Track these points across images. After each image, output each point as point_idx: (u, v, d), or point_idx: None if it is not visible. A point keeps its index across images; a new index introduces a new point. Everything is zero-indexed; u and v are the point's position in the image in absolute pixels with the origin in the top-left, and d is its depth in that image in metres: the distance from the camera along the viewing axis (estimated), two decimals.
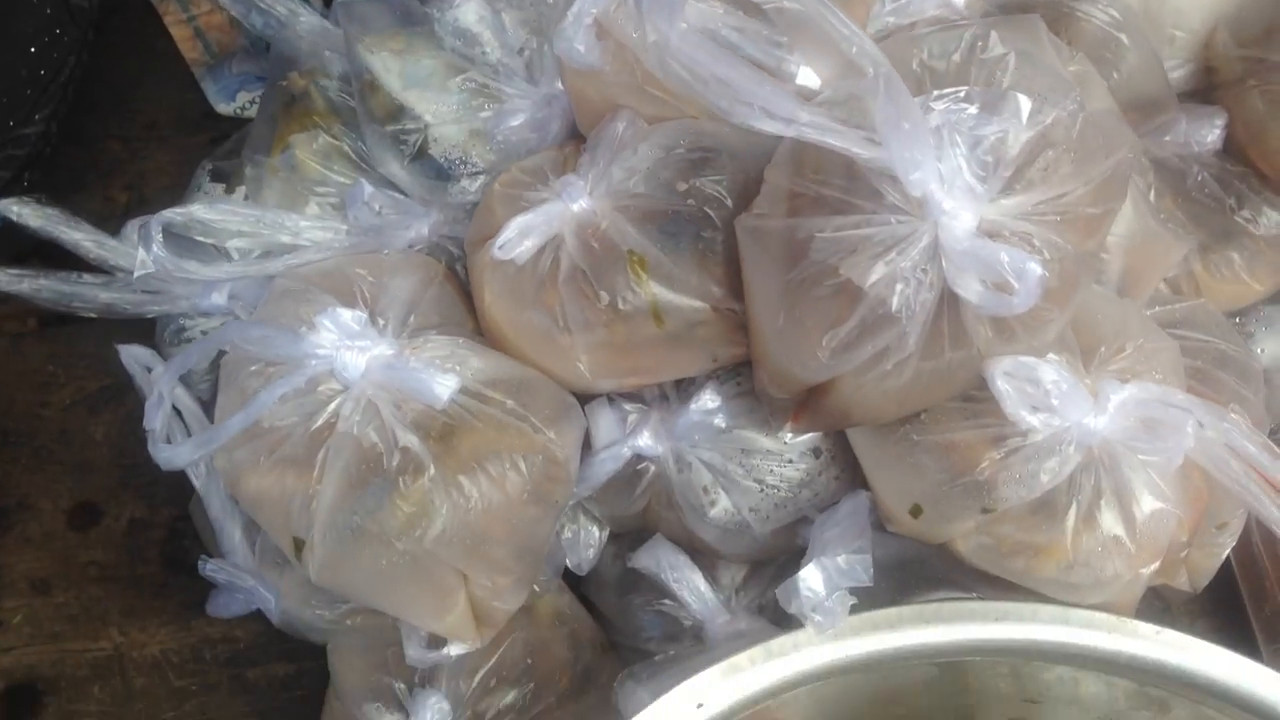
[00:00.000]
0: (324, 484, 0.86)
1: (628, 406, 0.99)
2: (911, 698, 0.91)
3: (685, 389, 0.97)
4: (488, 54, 1.07)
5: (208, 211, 0.99)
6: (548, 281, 0.91)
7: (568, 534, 1.05)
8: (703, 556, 1.02)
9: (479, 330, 0.98)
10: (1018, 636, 0.85)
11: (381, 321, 0.92)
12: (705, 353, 0.91)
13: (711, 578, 1.01)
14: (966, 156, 0.74)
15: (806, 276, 0.78)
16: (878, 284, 0.75)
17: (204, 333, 1.11)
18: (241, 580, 1.01)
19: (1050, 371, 0.80)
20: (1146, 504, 0.85)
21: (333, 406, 0.87)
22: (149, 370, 1.04)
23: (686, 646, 1.00)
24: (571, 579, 1.10)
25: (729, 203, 0.88)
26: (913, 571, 0.94)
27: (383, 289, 0.95)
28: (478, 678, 0.98)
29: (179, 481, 1.09)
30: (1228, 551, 1.03)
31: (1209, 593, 1.06)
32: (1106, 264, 0.97)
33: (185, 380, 1.07)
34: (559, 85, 1.02)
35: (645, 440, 0.96)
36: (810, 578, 0.82)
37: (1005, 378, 0.80)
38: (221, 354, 0.96)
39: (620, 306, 0.89)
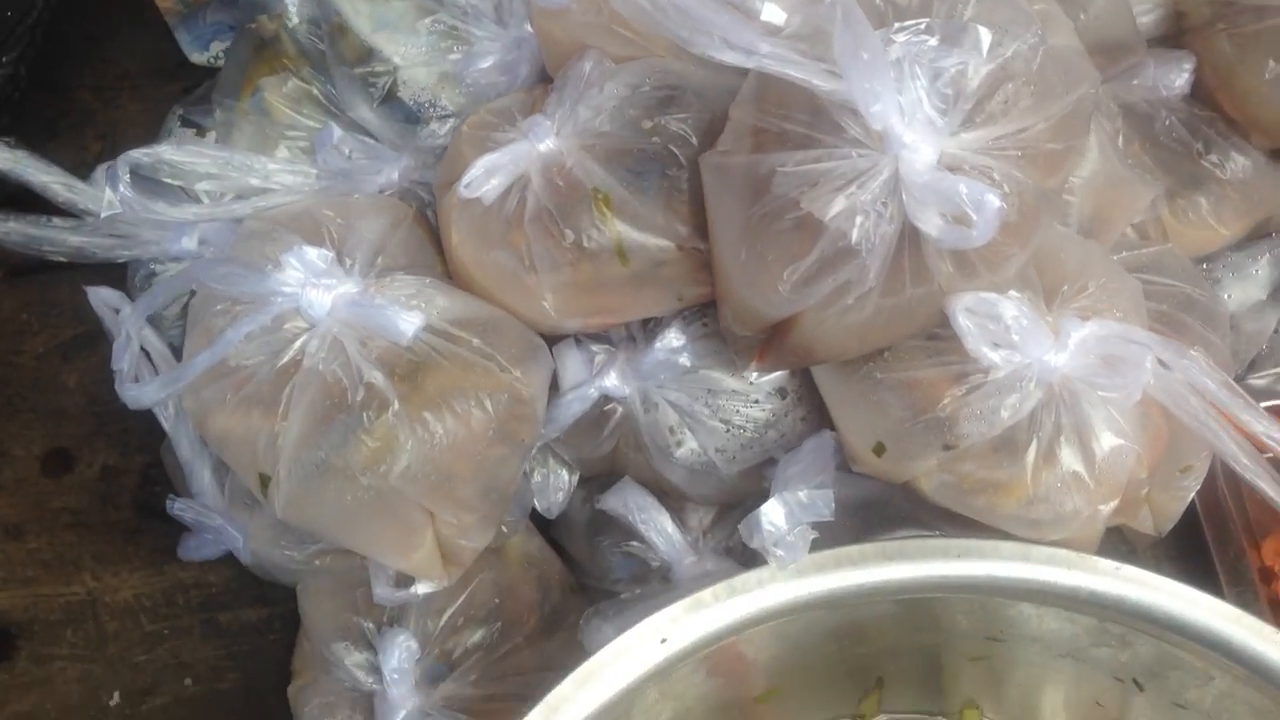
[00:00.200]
0: (289, 420, 0.86)
1: (595, 348, 0.99)
2: (877, 636, 0.92)
3: (652, 330, 0.98)
4: None
5: (175, 152, 0.99)
6: (514, 221, 0.91)
7: (537, 478, 1.06)
8: (671, 500, 1.03)
9: (448, 274, 0.99)
10: (979, 573, 0.85)
11: (349, 261, 0.92)
12: (671, 292, 0.92)
13: (679, 520, 1.02)
14: (927, 89, 0.74)
15: (768, 211, 0.79)
16: (838, 217, 0.76)
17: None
18: (210, 519, 1.01)
19: (1011, 307, 0.81)
20: (1106, 440, 0.85)
21: (298, 344, 0.88)
22: (117, 312, 1.04)
23: (653, 587, 1.01)
24: (541, 523, 1.10)
25: (694, 141, 0.89)
26: (877, 511, 0.94)
27: (350, 230, 0.96)
28: (445, 617, 0.99)
29: (152, 428, 1.10)
30: (1192, 495, 1.04)
31: (1174, 537, 1.07)
32: (1072, 207, 0.98)
33: (156, 326, 1.07)
34: (528, 28, 1.02)
35: (612, 381, 0.97)
36: (772, 512, 0.83)
37: (966, 314, 0.81)
38: (192, 298, 0.96)
39: (585, 245, 0.89)
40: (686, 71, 0.91)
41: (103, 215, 0.97)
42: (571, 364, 0.98)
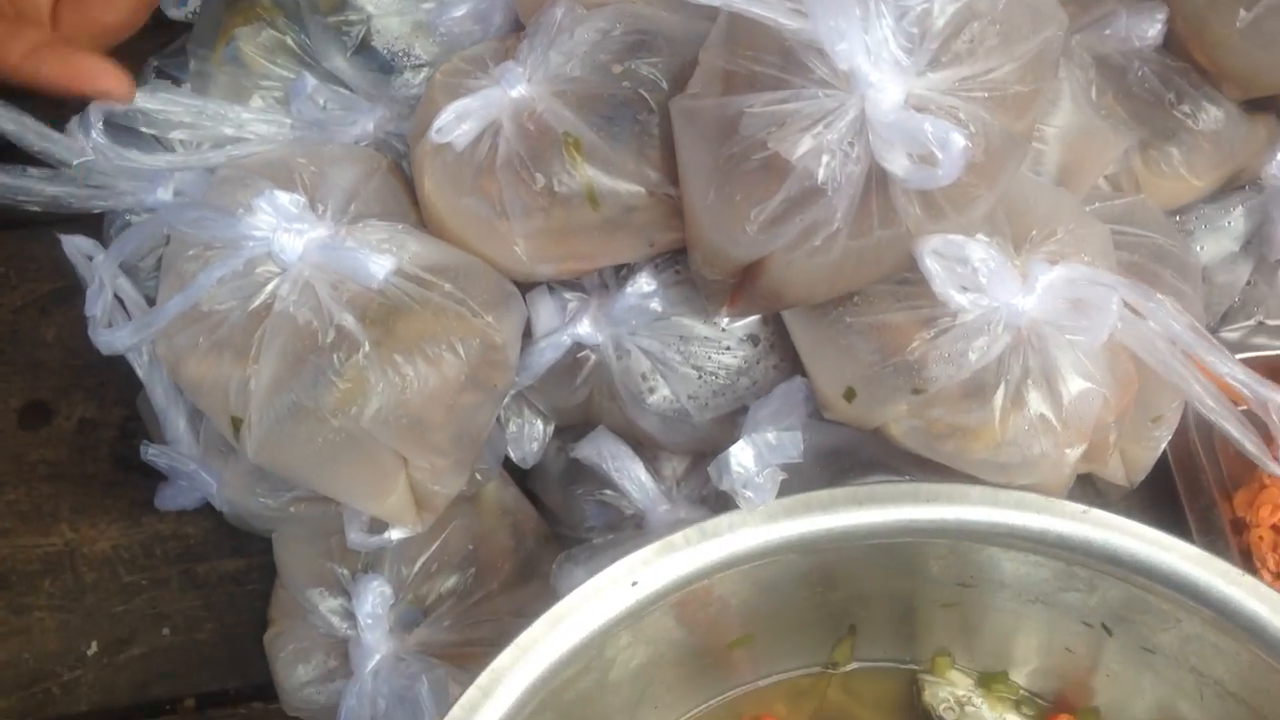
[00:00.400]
0: (261, 364, 0.86)
1: (568, 295, 0.99)
2: (849, 583, 0.92)
3: (624, 278, 0.98)
4: None
5: (149, 100, 0.99)
6: (486, 168, 0.91)
7: (512, 428, 1.06)
8: (645, 449, 1.03)
9: (422, 224, 0.99)
10: (949, 517, 0.86)
11: (321, 208, 0.92)
12: (642, 238, 0.92)
13: (653, 469, 1.03)
14: (893, 28, 0.74)
15: (736, 152, 0.79)
16: (805, 156, 0.76)
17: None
18: (183, 465, 1.01)
19: (979, 250, 0.81)
20: (1073, 384, 0.86)
21: (270, 288, 0.88)
22: (91, 260, 1.04)
23: (626, 534, 1.01)
24: (517, 474, 1.11)
25: (664, 85, 0.89)
26: (848, 457, 0.95)
27: (323, 177, 0.95)
28: (419, 563, 1.00)
29: (129, 382, 1.10)
30: (1164, 446, 1.05)
31: (1146, 489, 1.08)
32: (1045, 156, 0.98)
33: (133, 278, 1.07)
34: None
35: (585, 328, 0.97)
36: (740, 453, 0.83)
37: (934, 256, 0.81)
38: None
39: (556, 190, 0.89)
40: (657, 16, 0.91)
41: (75, 162, 0.97)
42: (545, 311, 0.98)
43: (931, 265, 0.81)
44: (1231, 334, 1.17)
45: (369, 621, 0.96)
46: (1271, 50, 1.04)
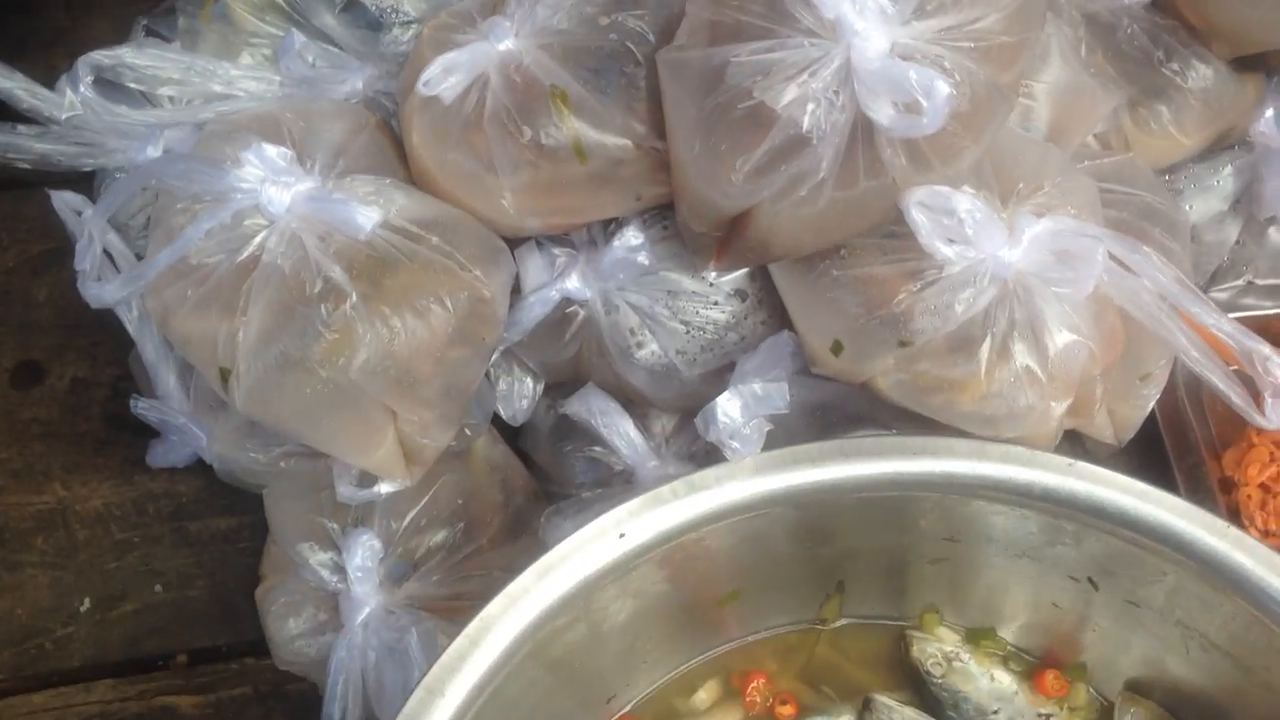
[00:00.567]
0: (249, 315, 0.87)
1: (556, 250, 1.00)
2: (837, 538, 0.92)
3: (612, 233, 0.98)
4: None
5: (137, 56, 0.99)
6: (473, 121, 0.91)
7: (502, 386, 1.07)
8: (635, 407, 1.03)
9: (410, 181, 0.99)
10: (936, 470, 0.86)
11: (309, 162, 0.93)
12: (629, 192, 0.92)
13: (643, 427, 1.03)
14: None
15: (722, 102, 0.79)
16: (790, 105, 0.76)
17: (142, 188, 1.11)
18: (173, 419, 1.02)
19: (965, 201, 0.81)
20: (1059, 336, 0.86)
21: (258, 240, 0.88)
22: (80, 215, 1.04)
23: (615, 489, 1.02)
24: (508, 434, 1.11)
25: (651, 38, 0.89)
26: (835, 412, 0.95)
27: (312, 133, 0.96)
28: (408, 517, 1.00)
29: (121, 342, 1.11)
30: (1152, 404, 1.05)
31: (1134, 447, 1.08)
32: (1034, 113, 0.98)
33: (123, 234, 1.07)
34: None
35: (573, 283, 0.97)
36: (727, 404, 0.84)
37: (920, 208, 0.81)
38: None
39: (543, 142, 0.89)
40: None
41: (64, 116, 0.97)
42: (533, 266, 0.98)
43: (918, 217, 0.82)
44: (1220, 294, 1.17)
45: (359, 575, 0.97)
46: (1260, 7, 1.03)
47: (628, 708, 0.95)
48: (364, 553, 0.97)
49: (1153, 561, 0.85)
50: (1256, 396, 0.87)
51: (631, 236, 0.94)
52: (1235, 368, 0.87)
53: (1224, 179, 1.14)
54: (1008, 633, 0.97)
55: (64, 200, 1.02)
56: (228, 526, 1.19)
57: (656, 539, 0.84)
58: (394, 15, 1.06)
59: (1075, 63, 1.01)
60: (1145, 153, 1.07)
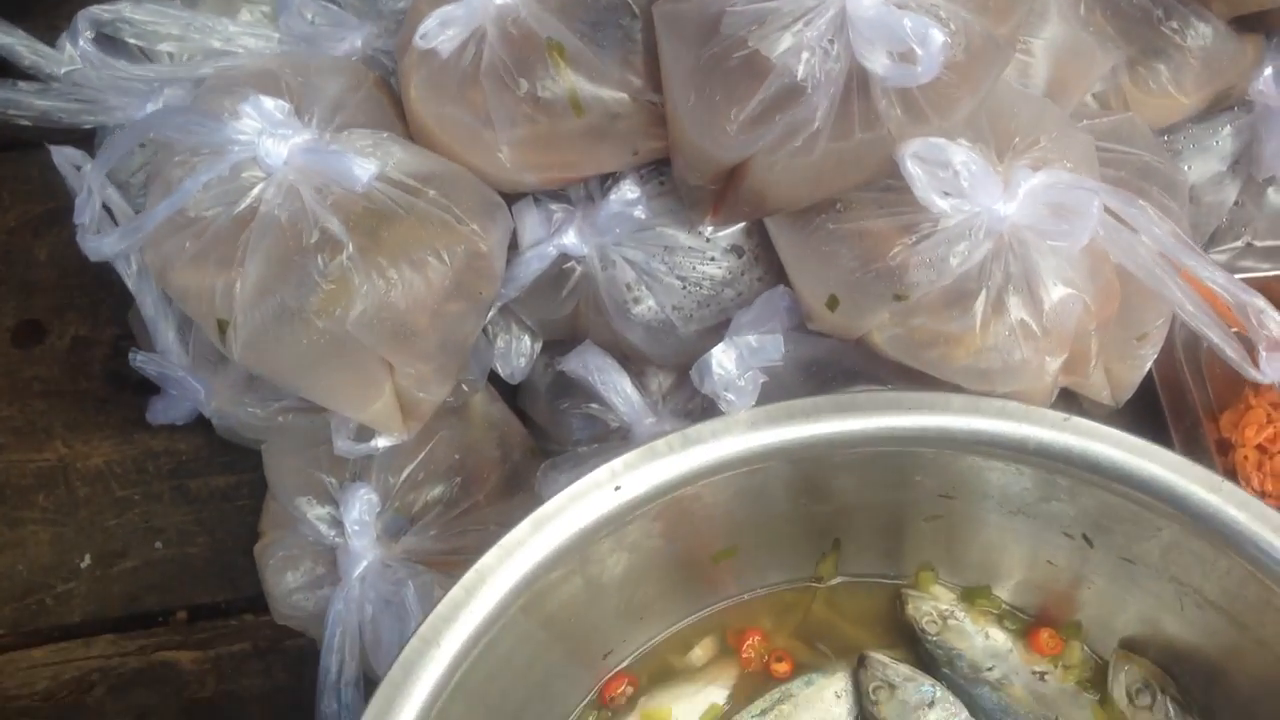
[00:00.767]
0: (246, 266, 0.87)
1: (554, 206, 1.00)
2: (833, 495, 0.93)
3: (608, 189, 0.98)
4: None
5: (135, 10, 0.99)
6: (470, 75, 0.91)
7: (500, 344, 1.07)
8: (632, 364, 1.04)
9: (409, 138, 0.99)
10: (931, 425, 0.86)
11: (307, 116, 0.93)
12: (626, 146, 0.92)
13: (640, 384, 1.03)
14: None
15: (717, 52, 0.79)
16: (785, 54, 0.76)
17: (141, 144, 1.11)
18: (172, 371, 1.02)
19: (960, 153, 0.81)
20: (1054, 290, 0.86)
21: (255, 192, 0.88)
22: (80, 170, 1.04)
23: (611, 444, 1.02)
24: (506, 393, 1.11)
25: None
26: (831, 367, 0.95)
27: (310, 87, 0.96)
28: (406, 472, 1.00)
29: (122, 301, 1.11)
30: (1149, 364, 1.06)
31: (1131, 408, 1.08)
32: (1031, 69, 0.98)
33: (124, 192, 1.07)
34: None
35: (570, 239, 0.97)
36: (722, 355, 0.84)
37: (915, 160, 0.81)
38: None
39: (539, 95, 0.89)
40: None
41: (63, 71, 0.97)
42: (530, 222, 0.98)
43: (913, 169, 0.81)
44: (1219, 256, 1.17)
45: (356, 528, 0.97)
46: None
47: (624, 664, 0.96)
48: (361, 506, 0.97)
49: (1147, 517, 0.85)
50: (1252, 352, 0.87)
51: (628, 190, 0.94)
52: (1236, 330, 0.87)
53: (1223, 139, 1.14)
54: (1003, 591, 0.97)
55: (64, 155, 1.02)
56: (227, 484, 1.20)
57: (652, 492, 0.84)
58: None
59: (1074, 20, 1.01)
60: (1144, 112, 1.07)
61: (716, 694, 0.94)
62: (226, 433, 1.09)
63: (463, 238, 0.90)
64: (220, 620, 1.14)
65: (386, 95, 1.02)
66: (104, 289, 1.24)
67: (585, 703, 0.94)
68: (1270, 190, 1.17)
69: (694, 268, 0.97)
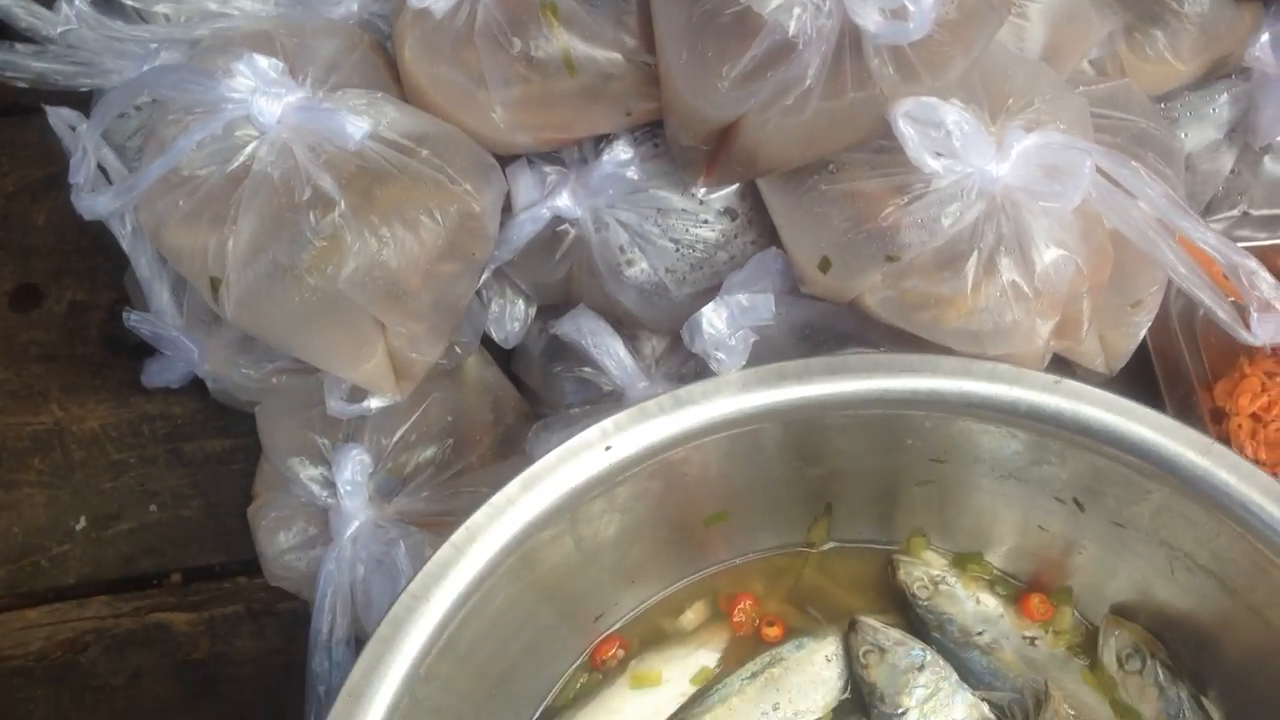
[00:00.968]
0: (239, 224, 0.87)
1: (547, 169, 1.00)
2: (825, 458, 0.93)
3: (602, 150, 0.98)
4: None
5: None
6: (464, 35, 0.91)
7: (494, 308, 1.07)
8: (625, 328, 1.04)
9: (403, 100, 0.99)
10: (922, 387, 0.86)
11: (301, 76, 0.93)
12: (620, 106, 0.92)
13: (633, 348, 1.03)
14: None
15: (708, 9, 0.79)
16: (776, 10, 0.76)
17: (137, 108, 1.11)
18: (166, 331, 1.02)
19: (952, 112, 0.81)
20: (1046, 252, 0.86)
21: (249, 150, 0.88)
22: (75, 130, 1.04)
23: (604, 406, 1.02)
24: (500, 358, 1.12)
25: None
26: (823, 331, 0.96)
27: (305, 48, 0.96)
28: (399, 433, 1.01)
29: (118, 266, 1.12)
30: (1144, 332, 1.05)
31: (1126, 377, 1.08)
32: (1027, 33, 0.98)
33: (120, 154, 1.07)
34: None
35: (564, 200, 0.97)
36: (713, 314, 0.84)
37: (908, 119, 0.81)
38: None
39: (533, 55, 0.89)
40: None
41: (59, 32, 0.97)
42: (524, 184, 0.98)
43: (905, 129, 0.81)
44: (1215, 226, 1.17)
45: (348, 489, 0.98)
46: None
47: (615, 627, 0.96)
48: (354, 467, 0.98)
49: (1138, 480, 0.85)
50: (1244, 314, 0.87)
51: (621, 151, 0.94)
52: (1232, 299, 0.87)
53: (1220, 107, 1.14)
54: (995, 557, 0.98)
55: (59, 116, 1.02)
56: (222, 448, 1.20)
57: (643, 453, 0.84)
58: None
59: None
60: (1140, 78, 1.07)
61: (707, 657, 0.95)
62: (221, 396, 1.09)
63: (456, 198, 0.90)
64: (214, 583, 1.15)
65: (382, 58, 1.02)
66: (101, 254, 1.24)
67: (576, 665, 0.94)
68: (1267, 158, 1.16)
69: (687, 230, 0.97)
